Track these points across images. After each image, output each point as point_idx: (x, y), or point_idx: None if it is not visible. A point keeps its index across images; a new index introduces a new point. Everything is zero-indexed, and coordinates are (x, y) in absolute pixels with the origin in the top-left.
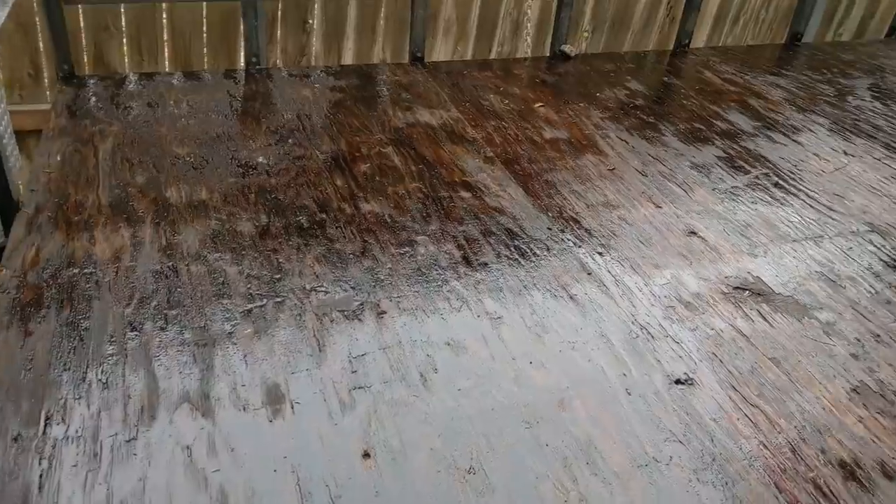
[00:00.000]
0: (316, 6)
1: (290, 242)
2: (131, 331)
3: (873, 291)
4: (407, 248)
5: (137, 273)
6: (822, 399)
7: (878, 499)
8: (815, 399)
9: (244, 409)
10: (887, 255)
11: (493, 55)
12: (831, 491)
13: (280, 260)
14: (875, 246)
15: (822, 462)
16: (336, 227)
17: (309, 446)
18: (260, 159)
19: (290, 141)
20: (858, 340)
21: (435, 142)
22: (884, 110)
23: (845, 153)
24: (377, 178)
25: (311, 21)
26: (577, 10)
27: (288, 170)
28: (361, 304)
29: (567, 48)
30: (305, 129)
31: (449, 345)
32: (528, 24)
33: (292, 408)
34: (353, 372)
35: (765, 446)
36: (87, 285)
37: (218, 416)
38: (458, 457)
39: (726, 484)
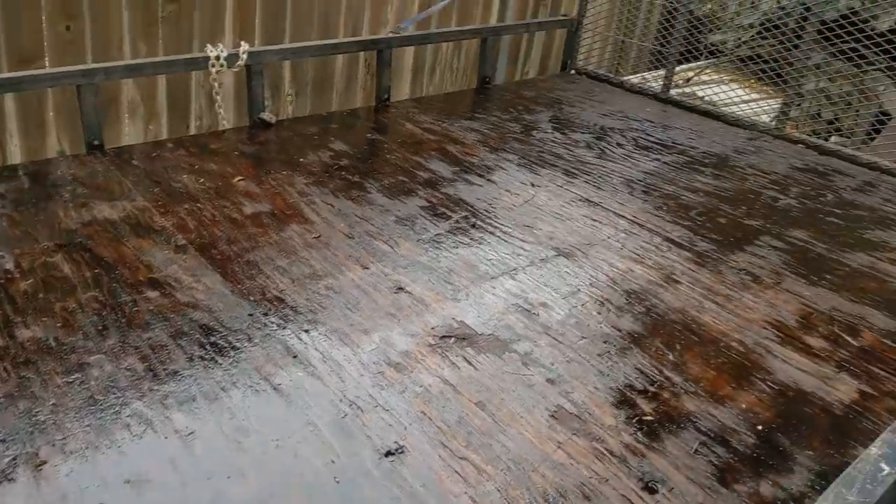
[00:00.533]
0: None
1: None
2: None
3: (562, 314)
4: (77, 375)
5: None
6: (524, 434)
7: None
8: (518, 435)
9: None
10: (569, 278)
11: (192, 131)
12: None
13: None
14: (561, 268)
15: (526, 501)
16: None
17: None
18: None
19: None
20: (553, 365)
21: (116, 239)
22: (563, 139)
23: (532, 185)
24: (41, 296)
25: None
26: (275, 75)
27: None
28: (14, 460)
29: (266, 116)
30: None
31: (129, 482)
32: (218, 97)
33: None
34: None
35: (474, 500)
36: None
37: None
38: None
39: None
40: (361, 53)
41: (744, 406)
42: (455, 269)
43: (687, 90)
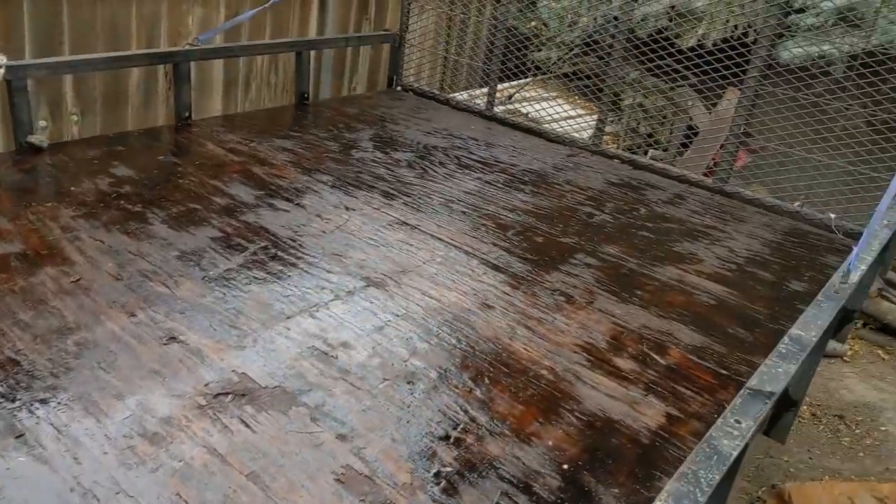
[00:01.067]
0: None
1: None
2: None
3: (365, 354)
4: None
5: None
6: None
7: None
8: None
9: None
10: (377, 311)
11: None
12: None
13: None
14: (369, 301)
15: None
16: None
17: None
18: None
19: None
20: (346, 417)
21: None
22: (384, 159)
23: (346, 208)
24: None
25: None
26: (55, 92)
27: None
28: None
29: (35, 139)
30: None
31: None
32: None
33: None
34: None
35: None
36: None
37: None
38: None
39: None
40: (161, 67)
41: (550, 443)
42: (244, 311)
43: (511, 107)
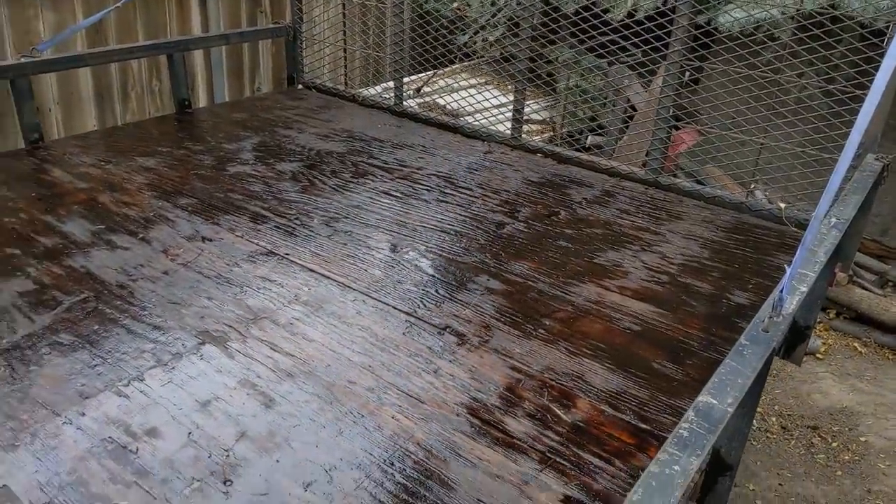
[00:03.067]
0: None
1: None
2: None
3: (176, 445)
4: None
5: None
6: None
7: None
8: None
9: None
10: (213, 374)
11: None
12: None
13: None
14: (203, 364)
15: None
16: None
17: None
18: None
19: None
20: None
21: None
22: (263, 172)
23: (203, 239)
24: None
25: None
26: None
27: None
28: None
29: None
30: None
31: None
32: None
33: None
34: None
35: None
36: None
37: None
38: None
39: None
40: (7, 82)
41: None
42: (30, 393)
43: (427, 100)
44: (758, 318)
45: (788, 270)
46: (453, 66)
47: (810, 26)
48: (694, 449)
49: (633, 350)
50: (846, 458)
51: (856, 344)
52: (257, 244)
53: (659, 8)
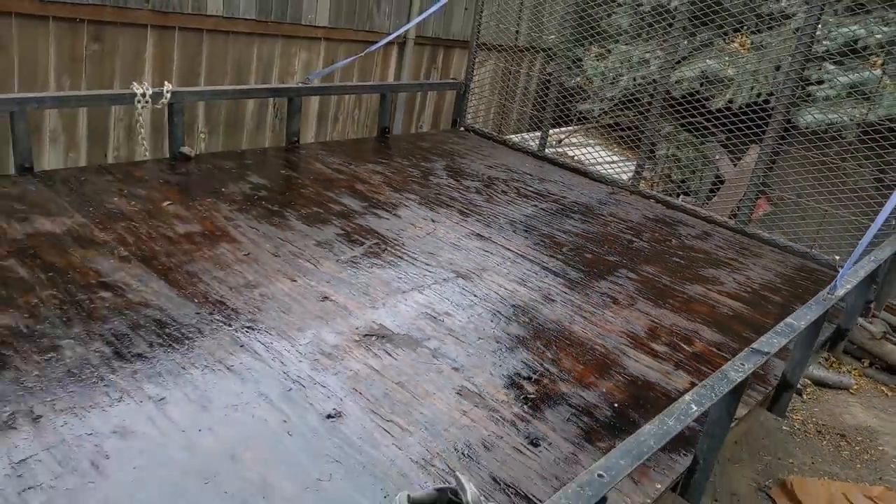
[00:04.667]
0: None
1: None
2: None
3: (463, 321)
4: (52, 354)
5: None
6: (437, 405)
7: (480, 466)
8: (432, 406)
9: None
10: (466, 294)
11: (110, 160)
12: (449, 467)
13: None
14: (460, 287)
15: (440, 450)
16: None
17: None
18: None
19: None
20: (457, 358)
21: (62, 249)
22: (456, 186)
23: (432, 220)
24: (2, 292)
25: None
26: (190, 115)
27: None
28: (12, 414)
29: (186, 150)
30: None
31: (116, 432)
32: (142, 130)
33: None
34: (18, 476)
35: (399, 448)
36: None
37: None
38: None
39: (374, 484)
40: (271, 99)
41: (604, 390)
42: (371, 285)
43: (559, 150)
44: (820, 295)
45: (840, 272)
46: (576, 127)
47: (871, 131)
48: (782, 336)
49: (729, 324)
50: (865, 457)
51: (884, 388)
52: (468, 229)
53: (749, 104)
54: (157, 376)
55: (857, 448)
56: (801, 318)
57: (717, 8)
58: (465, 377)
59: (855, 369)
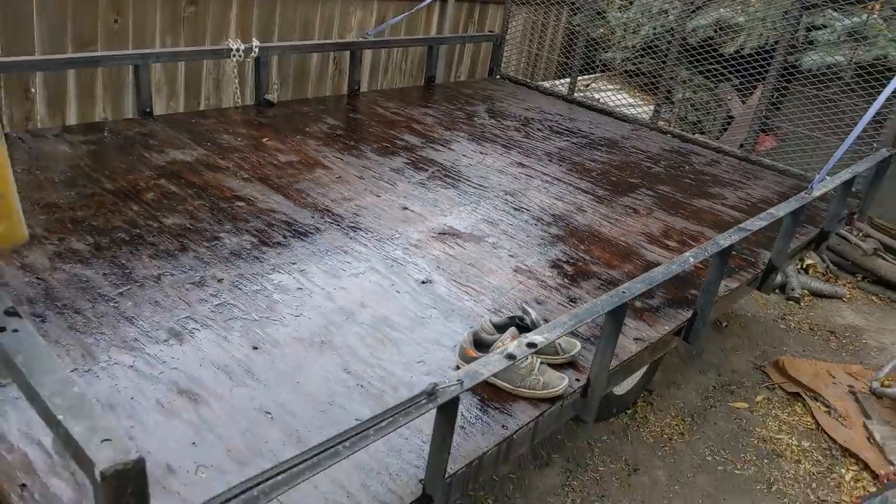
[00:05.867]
0: (37, 77)
1: (122, 250)
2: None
3: (513, 225)
4: (215, 242)
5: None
6: (500, 277)
7: (548, 306)
8: (496, 278)
9: (157, 342)
10: (514, 206)
11: (202, 107)
12: (516, 306)
13: (126, 263)
14: (509, 201)
15: (503, 304)
16: (153, 236)
17: (210, 360)
18: (60, 202)
19: (76, 186)
20: (511, 249)
21: (197, 172)
22: (497, 125)
23: (480, 153)
24: (165, 202)
25: (33, 90)
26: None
27: (87, 206)
28: (202, 277)
29: (270, 97)
30: (85, 175)
31: (278, 289)
32: (236, 80)
33: (192, 334)
34: (220, 313)
35: (476, 301)
36: None
37: (147, 347)
38: (312, 335)
39: (463, 322)
40: (332, 53)
41: (626, 270)
42: (439, 200)
43: (587, 94)
44: (800, 195)
45: (818, 176)
46: (598, 74)
47: (867, 72)
48: (764, 220)
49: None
50: (850, 348)
51: (874, 298)
52: (511, 159)
53: (758, 49)
54: (295, 256)
55: (843, 341)
56: (782, 209)
57: None
58: (519, 261)
59: (849, 282)
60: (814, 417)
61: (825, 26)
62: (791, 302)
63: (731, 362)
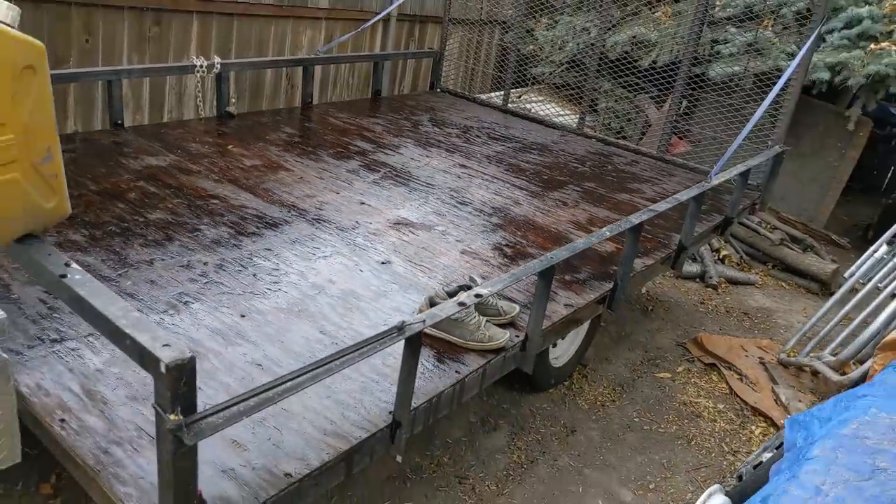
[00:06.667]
0: None
1: (116, 240)
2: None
3: (458, 216)
4: (197, 232)
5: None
6: (449, 258)
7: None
8: (445, 258)
9: (158, 312)
10: (459, 201)
11: (165, 119)
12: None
13: (120, 250)
14: (453, 197)
15: (453, 280)
16: (140, 229)
17: (205, 326)
18: None
19: None
20: (458, 235)
21: (172, 175)
22: (440, 132)
23: (427, 156)
24: (147, 200)
25: None
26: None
27: (77, 205)
28: (189, 260)
29: (231, 109)
30: (70, 179)
31: (257, 267)
32: (199, 94)
33: (186, 306)
34: (215, 275)
35: (429, 278)
36: None
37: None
38: (291, 305)
39: (419, 294)
40: (285, 69)
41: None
42: (392, 196)
43: (520, 105)
44: (700, 183)
45: (715, 167)
46: (528, 88)
47: (760, 81)
48: (668, 203)
49: None
50: (762, 326)
51: (782, 283)
52: (454, 161)
53: (671, 62)
54: (269, 243)
55: (756, 321)
56: (684, 194)
57: None
58: (465, 245)
59: (761, 271)
60: (727, 384)
61: (726, 41)
62: (709, 289)
63: (657, 341)
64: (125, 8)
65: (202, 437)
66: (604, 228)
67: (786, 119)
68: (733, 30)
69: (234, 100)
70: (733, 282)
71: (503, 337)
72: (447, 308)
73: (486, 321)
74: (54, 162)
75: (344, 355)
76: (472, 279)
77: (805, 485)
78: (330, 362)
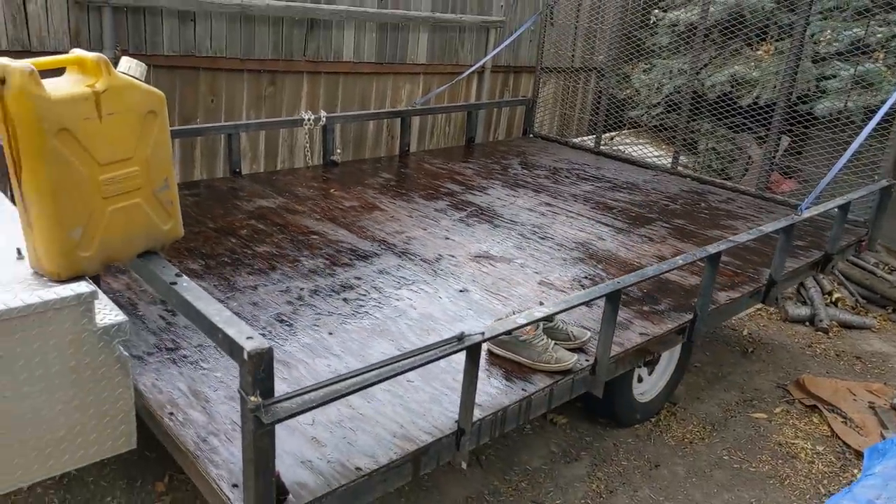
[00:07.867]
0: None
1: (226, 269)
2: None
3: (540, 250)
4: (297, 263)
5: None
6: (526, 288)
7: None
8: (523, 289)
9: (258, 329)
10: (541, 236)
11: (279, 167)
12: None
13: (230, 277)
14: (537, 232)
15: (527, 308)
16: (248, 260)
17: (297, 340)
18: None
19: (186, 226)
20: (537, 267)
21: (279, 215)
22: (529, 174)
23: (513, 196)
24: (255, 236)
25: None
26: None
27: (196, 239)
28: (288, 287)
29: (335, 157)
30: (192, 218)
31: (346, 290)
32: (307, 145)
33: (282, 324)
34: (309, 300)
35: (505, 305)
36: None
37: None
38: (373, 326)
39: (493, 319)
40: (385, 120)
41: (639, 285)
42: (476, 232)
43: (614, 147)
44: (787, 217)
45: (805, 201)
46: (620, 131)
47: (872, 115)
48: (752, 234)
49: (738, 252)
50: (875, 371)
51: None
52: (540, 200)
53: (773, 100)
54: (359, 273)
55: (868, 365)
56: (770, 226)
57: (742, 21)
58: (542, 276)
59: (879, 315)
60: (829, 426)
61: (834, 76)
62: (819, 332)
63: (755, 382)
64: (245, 71)
65: (277, 417)
66: (677, 257)
67: (893, 151)
68: (840, 63)
69: (339, 150)
70: (847, 326)
71: (571, 359)
72: (507, 324)
73: (555, 344)
74: (170, 190)
75: (406, 358)
76: (542, 305)
77: (858, 497)
78: (393, 363)
